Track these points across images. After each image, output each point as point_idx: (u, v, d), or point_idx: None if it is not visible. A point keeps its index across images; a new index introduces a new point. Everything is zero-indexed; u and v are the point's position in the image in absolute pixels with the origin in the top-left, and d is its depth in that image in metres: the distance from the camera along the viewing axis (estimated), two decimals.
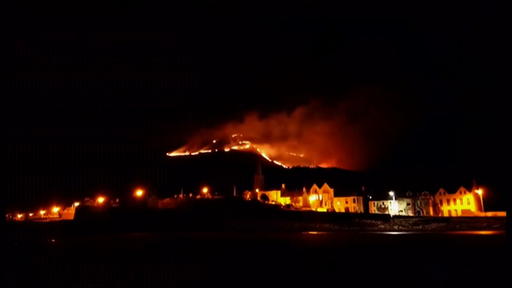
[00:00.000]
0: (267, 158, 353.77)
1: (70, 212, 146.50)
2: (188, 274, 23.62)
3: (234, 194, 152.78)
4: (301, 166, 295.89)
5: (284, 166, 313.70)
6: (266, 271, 24.29)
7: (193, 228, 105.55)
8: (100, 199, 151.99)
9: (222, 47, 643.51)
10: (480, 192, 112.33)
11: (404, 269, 24.71)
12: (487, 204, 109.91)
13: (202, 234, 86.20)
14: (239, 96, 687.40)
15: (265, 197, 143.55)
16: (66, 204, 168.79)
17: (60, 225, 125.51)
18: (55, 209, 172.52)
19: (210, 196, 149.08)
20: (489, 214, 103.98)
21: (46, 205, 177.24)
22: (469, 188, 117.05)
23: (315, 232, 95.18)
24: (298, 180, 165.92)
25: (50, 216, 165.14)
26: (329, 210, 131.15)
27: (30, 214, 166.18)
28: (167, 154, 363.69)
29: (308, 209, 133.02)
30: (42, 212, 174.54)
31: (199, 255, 36.45)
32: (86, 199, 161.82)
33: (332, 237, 69.84)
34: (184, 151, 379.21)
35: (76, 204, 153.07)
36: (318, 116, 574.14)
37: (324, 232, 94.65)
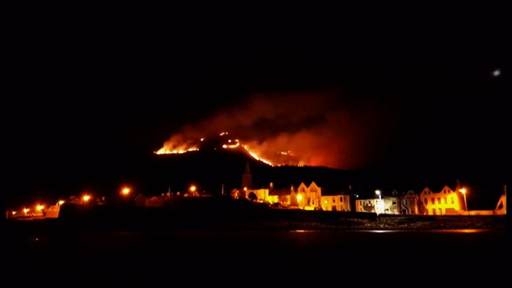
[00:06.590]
0: (255, 156, 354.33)
1: (55, 211, 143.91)
2: (187, 274, 23.62)
3: (222, 193, 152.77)
4: (289, 165, 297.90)
5: (272, 165, 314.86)
6: (264, 271, 24.47)
7: (182, 227, 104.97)
8: (86, 197, 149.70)
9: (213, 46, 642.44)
10: (463, 191, 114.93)
11: (401, 268, 25.21)
12: (470, 203, 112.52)
13: (192, 233, 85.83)
14: (230, 95, 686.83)
15: (253, 196, 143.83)
16: (51, 202, 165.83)
17: (44, 223, 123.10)
18: (39, 207, 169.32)
19: (198, 195, 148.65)
20: (472, 213, 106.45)
21: (30, 203, 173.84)
22: (453, 187, 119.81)
23: (302, 231, 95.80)
24: (286, 178, 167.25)
25: (34, 214, 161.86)
26: (317, 209, 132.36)
27: (13, 213, 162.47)
28: (154, 152, 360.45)
29: (295, 207, 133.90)
30: (25, 210, 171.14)
31: (194, 254, 36.40)
32: (71, 197, 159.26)
33: (321, 236, 70.52)
34: (172, 150, 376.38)
35: (61, 202, 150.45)
36: (307, 115, 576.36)
37: (311, 231, 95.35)
